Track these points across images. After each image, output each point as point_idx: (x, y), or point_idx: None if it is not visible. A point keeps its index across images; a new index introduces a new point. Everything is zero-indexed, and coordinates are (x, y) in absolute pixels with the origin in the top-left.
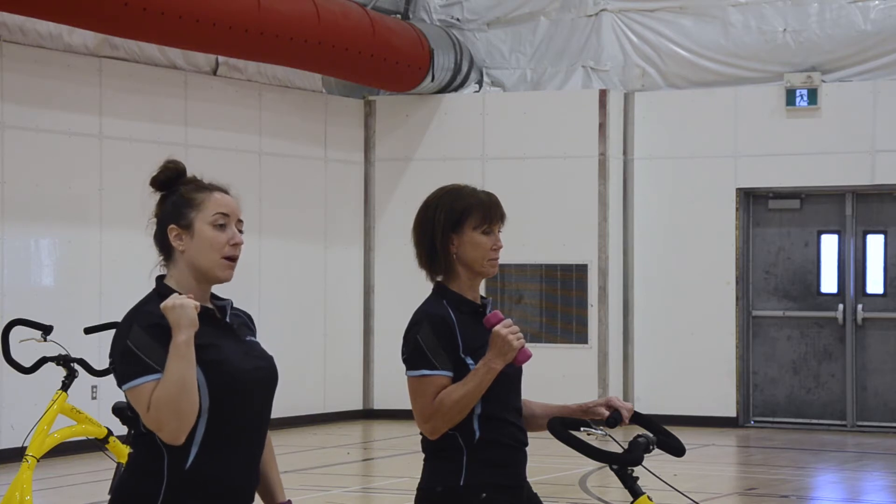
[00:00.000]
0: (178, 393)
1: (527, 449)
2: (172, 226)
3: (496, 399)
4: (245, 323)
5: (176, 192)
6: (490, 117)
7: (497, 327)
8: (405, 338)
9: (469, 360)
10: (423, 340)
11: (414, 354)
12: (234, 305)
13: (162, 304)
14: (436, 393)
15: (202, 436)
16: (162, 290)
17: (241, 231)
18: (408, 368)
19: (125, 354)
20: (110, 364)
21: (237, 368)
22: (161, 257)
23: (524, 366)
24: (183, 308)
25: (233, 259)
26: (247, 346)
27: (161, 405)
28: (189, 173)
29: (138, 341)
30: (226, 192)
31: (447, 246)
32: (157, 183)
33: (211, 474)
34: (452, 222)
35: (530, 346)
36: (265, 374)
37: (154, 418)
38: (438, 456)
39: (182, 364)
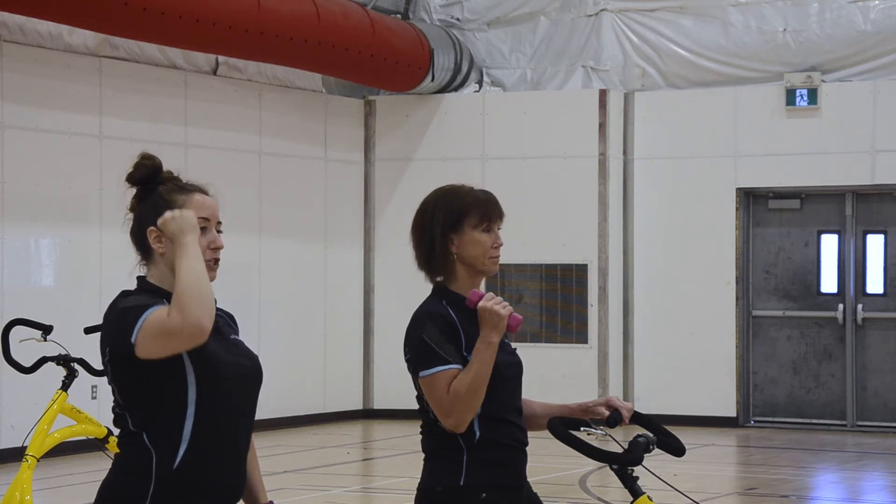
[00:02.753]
0: (196, 282)
1: (527, 449)
2: (152, 228)
3: (497, 399)
4: (227, 323)
5: (154, 192)
6: (490, 117)
7: (481, 303)
8: (408, 339)
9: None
10: (429, 337)
11: (422, 354)
12: (217, 305)
13: (160, 220)
14: (449, 386)
15: (190, 432)
16: (145, 286)
17: (220, 231)
18: (419, 370)
19: (123, 314)
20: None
21: (223, 362)
22: (139, 256)
23: (525, 366)
24: (183, 217)
25: (213, 261)
26: (231, 344)
27: (180, 300)
28: (165, 168)
29: (132, 301)
30: (205, 192)
31: (447, 246)
32: (133, 180)
33: (199, 473)
34: (451, 222)
35: (530, 346)
36: (250, 371)
37: (175, 320)
38: (438, 456)
39: (192, 261)
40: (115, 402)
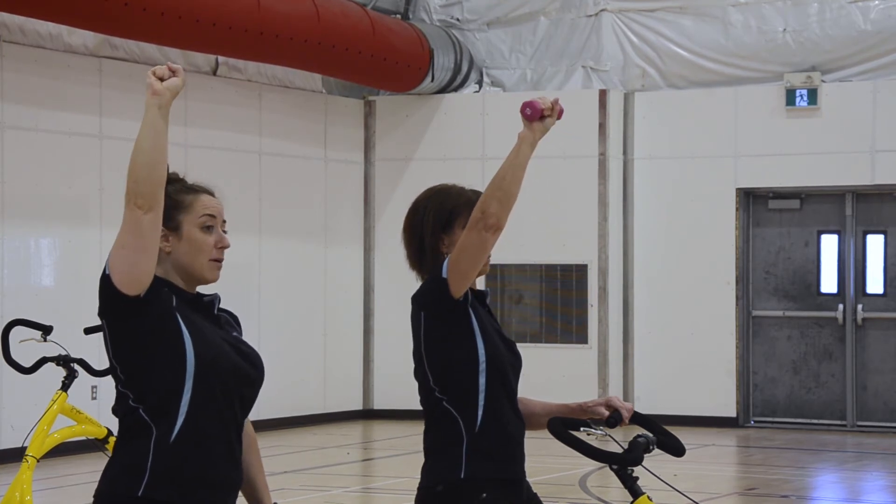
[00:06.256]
0: (140, 160)
1: (524, 445)
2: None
3: (498, 390)
4: (229, 321)
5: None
6: (490, 117)
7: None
8: (416, 298)
9: (472, 312)
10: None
11: (438, 272)
12: (220, 306)
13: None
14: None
15: (187, 406)
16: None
17: (225, 231)
18: (440, 271)
19: None
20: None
21: (223, 349)
22: None
23: (525, 366)
24: (166, 87)
25: (219, 260)
26: (234, 339)
27: (132, 171)
28: (171, 169)
29: None
30: (211, 193)
31: (437, 246)
32: None
33: (195, 452)
34: (442, 222)
35: (530, 346)
36: (251, 363)
37: (131, 190)
38: (439, 451)
39: (148, 133)
40: (116, 380)
